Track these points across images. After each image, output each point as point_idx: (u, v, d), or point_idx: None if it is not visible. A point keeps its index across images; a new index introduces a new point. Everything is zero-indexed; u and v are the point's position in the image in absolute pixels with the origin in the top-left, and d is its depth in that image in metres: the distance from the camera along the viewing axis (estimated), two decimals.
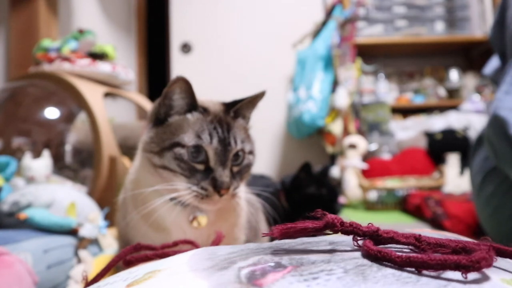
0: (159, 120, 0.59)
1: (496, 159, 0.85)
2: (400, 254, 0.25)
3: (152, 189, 0.57)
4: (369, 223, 0.30)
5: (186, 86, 0.56)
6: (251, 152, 0.60)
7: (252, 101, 0.61)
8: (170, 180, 0.56)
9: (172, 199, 0.57)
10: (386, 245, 0.29)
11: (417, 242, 0.27)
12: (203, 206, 0.56)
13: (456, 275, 0.24)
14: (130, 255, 0.40)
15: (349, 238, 0.32)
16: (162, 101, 0.58)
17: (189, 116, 0.57)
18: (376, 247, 0.26)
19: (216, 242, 0.44)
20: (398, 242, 0.28)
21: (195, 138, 0.54)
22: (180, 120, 0.57)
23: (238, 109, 0.60)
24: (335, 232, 0.29)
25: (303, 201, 1.16)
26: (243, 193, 0.65)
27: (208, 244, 0.50)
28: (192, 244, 0.45)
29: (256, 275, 0.24)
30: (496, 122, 0.79)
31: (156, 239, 0.59)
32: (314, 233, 0.29)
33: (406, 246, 0.28)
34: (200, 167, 0.55)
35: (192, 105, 0.57)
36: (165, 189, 0.56)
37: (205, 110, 0.58)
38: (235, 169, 0.57)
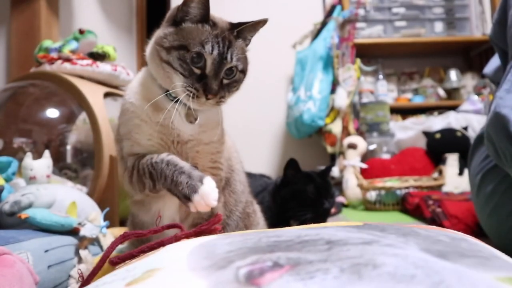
0: (175, 22, 0.67)
1: (497, 157, 0.85)
2: None
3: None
4: None
5: None
6: (242, 71, 0.68)
7: (255, 25, 0.69)
8: (170, 75, 0.65)
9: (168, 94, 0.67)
10: None
11: None
12: (192, 104, 0.64)
13: (453, 275, 0.24)
14: (116, 255, 0.40)
15: (346, 236, 0.33)
16: (181, 7, 0.66)
17: (200, 26, 0.65)
18: None
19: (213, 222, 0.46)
20: None
21: (199, 46, 0.63)
22: (192, 27, 0.65)
23: (242, 30, 0.68)
24: None
25: (290, 198, 1.19)
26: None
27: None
28: (177, 227, 0.47)
29: (254, 274, 0.24)
30: (497, 120, 0.79)
31: (154, 118, 0.68)
32: None
33: None
34: (198, 71, 0.63)
35: (205, 17, 0.66)
36: (165, 82, 0.66)
37: (214, 24, 0.66)
38: (226, 81, 0.66)
